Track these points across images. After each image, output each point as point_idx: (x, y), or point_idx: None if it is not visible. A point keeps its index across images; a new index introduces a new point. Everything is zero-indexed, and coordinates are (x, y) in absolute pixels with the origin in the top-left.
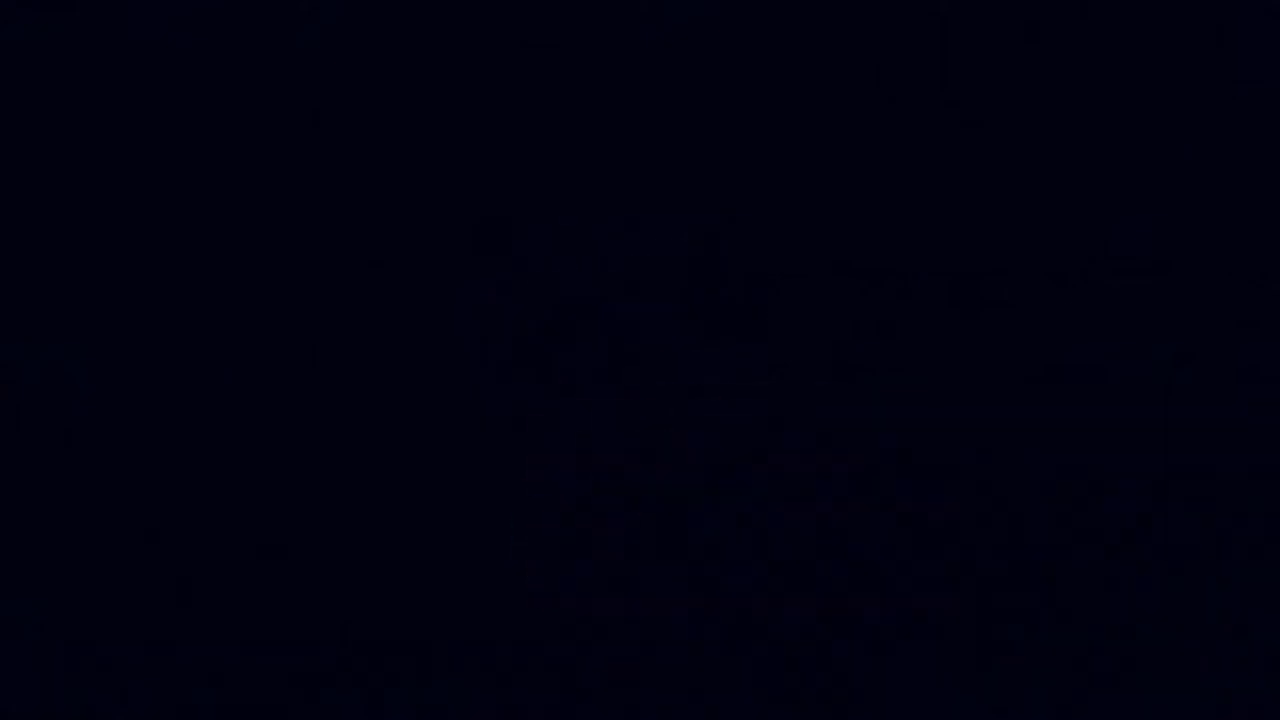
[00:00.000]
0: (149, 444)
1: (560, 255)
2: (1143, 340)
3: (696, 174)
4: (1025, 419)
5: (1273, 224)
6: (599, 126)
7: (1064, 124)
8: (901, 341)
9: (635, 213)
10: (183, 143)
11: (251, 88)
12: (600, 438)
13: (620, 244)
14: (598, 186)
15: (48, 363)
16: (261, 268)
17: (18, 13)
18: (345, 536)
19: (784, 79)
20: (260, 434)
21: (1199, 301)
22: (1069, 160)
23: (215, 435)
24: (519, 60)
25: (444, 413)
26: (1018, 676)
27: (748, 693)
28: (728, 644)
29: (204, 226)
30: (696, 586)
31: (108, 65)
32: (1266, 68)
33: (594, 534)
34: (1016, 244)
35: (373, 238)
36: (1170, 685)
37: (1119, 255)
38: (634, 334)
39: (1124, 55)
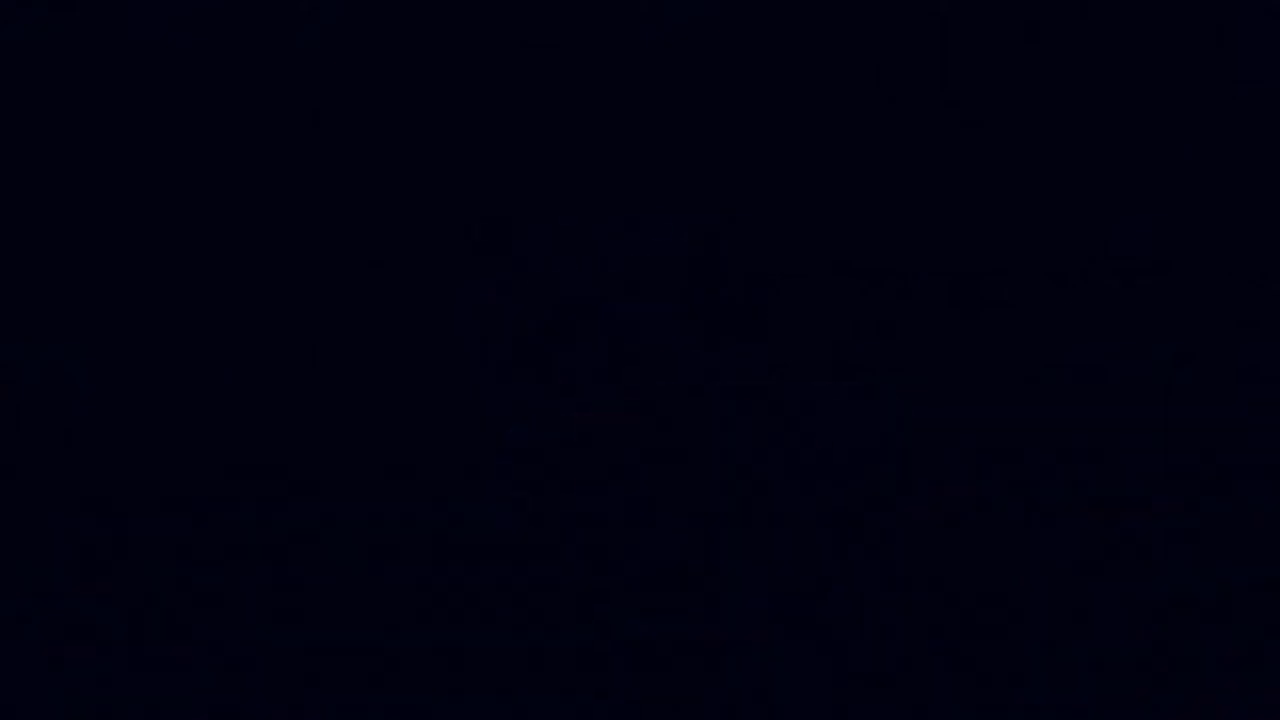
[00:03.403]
0: (149, 444)
1: (560, 255)
2: (1143, 340)
3: (696, 174)
4: (1025, 419)
5: (1273, 224)
6: (599, 126)
7: (1064, 124)
8: (901, 341)
9: (635, 213)
10: (183, 142)
11: (251, 88)
12: (599, 437)
13: (620, 244)
14: (598, 186)
15: (48, 363)
16: (261, 268)
17: (18, 13)
18: (346, 536)
19: (784, 79)
20: (260, 434)
21: (1199, 301)
22: (1069, 160)
23: (215, 435)
24: (519, 60)
25: (444, 412)
26: (1016, 673)
27: (751, 690)
28: (728, 640)
29: (204, 226)
30: (699, 585)
31: (108, 65)
32: (1266, 68)
33: (594, 533)
34: (1016, 244)
35: (373, 238)
36: (1169, 682)
37: (1119, 255)
38: (634, 334)
39: (1124, 55)
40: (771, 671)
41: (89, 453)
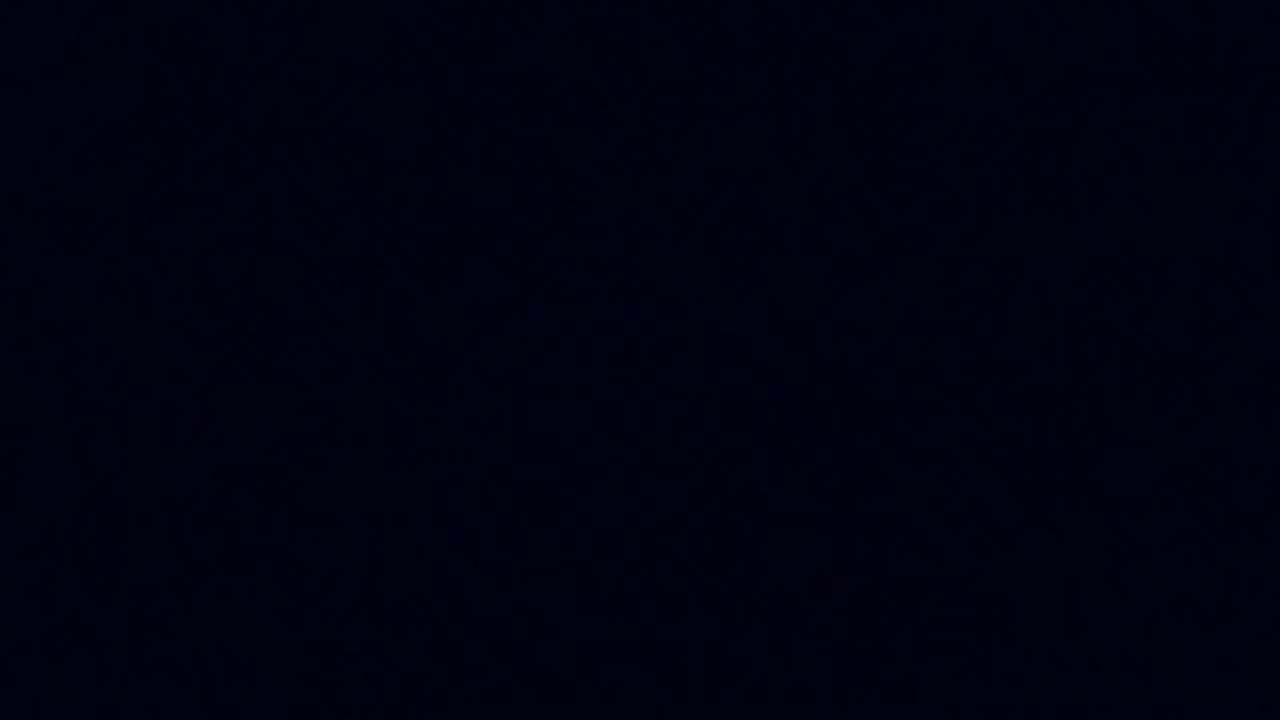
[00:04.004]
0: (148, 444)
1: (560, 255)
2: (1142, 336)
3: (696, 174)
4: (1023, 416)
5: (1273, 224)
6: (599, 126)
7: (1064, 123)
8: (901, 341)
9: (635, 212)
10: (182, 142)
11: (251, 87)
12: (599, 437)
13: (620, 244)
14: (597, 187)
15: (47, 362)
16: (261, 268)
17: (18, 13)
18: (346, 536)
19: (783, 78)
20: (261, 435)
21: (1199, 301)
22: (1069, 160)
23: (216, 437)
24: (519, 60)
25: (443, 412)
26: (1016, 673)
27: (751, 690)
28: (729, 639)
29: (204, 226)
30: (700, 585)
31: (108, 65)
32: (1266, 66)
33: (595, 535)
34: (1017, 243)
35: (373, 238)
36: (1169, 682)
37: (1119, 255)
38: (634, 334)
39: (1124, 55)
40: (769, 670)
41: (89, 452)
